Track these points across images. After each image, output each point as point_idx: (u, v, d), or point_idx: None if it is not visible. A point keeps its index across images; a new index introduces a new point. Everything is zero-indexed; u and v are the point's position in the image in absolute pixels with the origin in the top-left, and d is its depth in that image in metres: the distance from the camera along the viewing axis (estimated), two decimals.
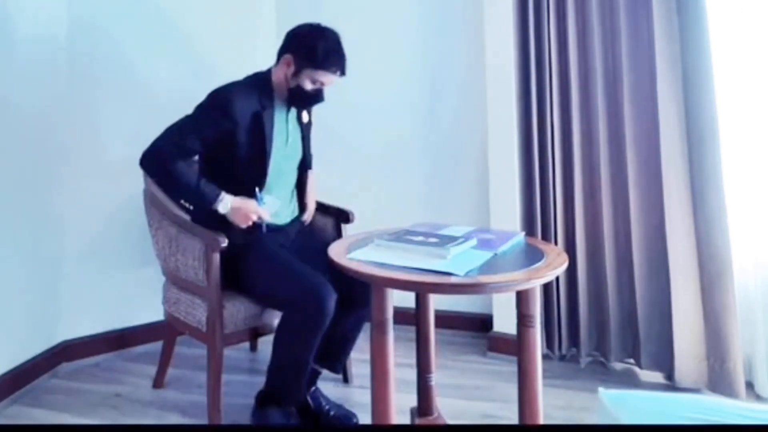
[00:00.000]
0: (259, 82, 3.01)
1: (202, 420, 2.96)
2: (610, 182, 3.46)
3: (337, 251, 2.40)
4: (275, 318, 2.93)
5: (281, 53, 2.97)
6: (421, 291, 2.63)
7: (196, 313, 2.95)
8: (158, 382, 3.33)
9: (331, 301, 2.64)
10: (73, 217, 3.64)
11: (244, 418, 3.01)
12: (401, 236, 2.43)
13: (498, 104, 3.77)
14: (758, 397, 3.11)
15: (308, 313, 2.62)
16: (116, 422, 3.02)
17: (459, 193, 4.22)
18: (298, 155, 3.18)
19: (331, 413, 2.93)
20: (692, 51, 3.20)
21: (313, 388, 3.01)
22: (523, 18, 3.66)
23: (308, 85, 2.90)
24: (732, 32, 3.24)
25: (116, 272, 3.82)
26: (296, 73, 2.89)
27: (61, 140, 3.57)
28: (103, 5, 3.76)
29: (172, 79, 4.01)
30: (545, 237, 3.59)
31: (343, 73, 2.93)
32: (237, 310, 2.89)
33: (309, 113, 3.24)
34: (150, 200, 3.18)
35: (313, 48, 2.86)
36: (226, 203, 2.81)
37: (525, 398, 2.22)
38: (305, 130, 3.21)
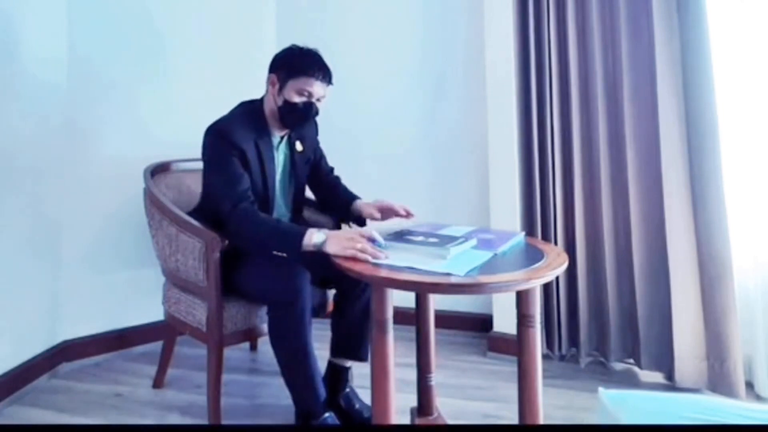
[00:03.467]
0: (251, 112, 2.98)
1: (202, 420, 2.96)
2: (610, 182, 3.47)
3: None
4: None
5: (268, 78, 2.96)
6: (421, 291, 2.63)
7: (196, 313, 2.94)
8: (158, 382, 3.34)
9: (302, 279, 2.64)
10: (73, 218, 3.65)
11: (244, 418, 3.02)
12: (401, 236, 2.44)
13: (498, 104, 3.78)
14: (758, 397, 3.11)
15: (283, 296, 2.62)
16: (116, 422, 3.01)
17: (459, 194, 4.24)
18: (288, 188, 3.15)
19: (365, 414, 2.94)
20: (692, 51, 3.21)
21: (347, 390, 3.02)
22: (523, 18, 3.67)
23: (295, 98, 2.84)
24: (732, 32, 3.25)
25: (116, 272, 3.83)
26: (281, 88, 2.87)
27: (62, 141, 3.59)
28: None
29: (171, 82, 4.05)
30: (545, 237, 3.61)
31: (328, 81, 2.89)
32: (237, 311, 2.89)
33: (303, 143, 3.16)
34: (150, 200, 3.17)
35: (291, 58, 2.89)
36: (319, 233, 2.50)
37: (525, 398, 2.21)
38: (299, 160, 3.14)
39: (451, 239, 2.35)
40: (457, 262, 2.12)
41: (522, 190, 3.72)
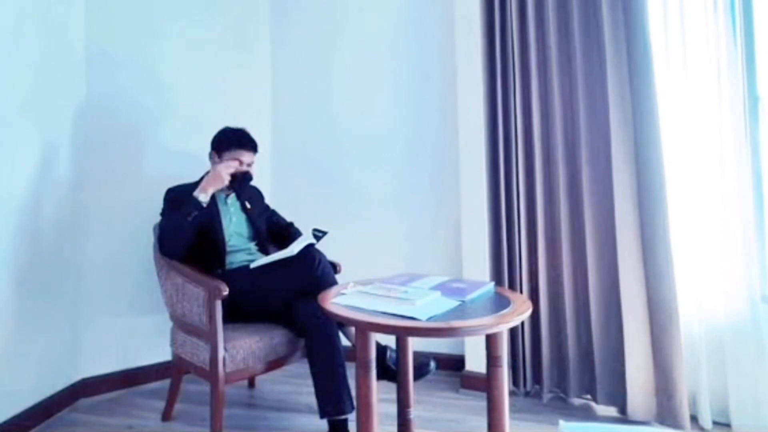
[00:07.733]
0: (199, 181, 3.32)
1: None
2: (569, 238, 3.47)
3: (327, 298, 2.44)
4: (271, 355, 3.02)
5: (210, 154, 3.46)
6: (401, 334, 2.66)
7: (200, 353, 2.97)
8: (166, 416, 3.32)
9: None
10: (91, 269, 3.68)
11: None
12: (378, 285, 2.51)
13: (469, 166, 3.79)
14: (702, 430, 3.11)
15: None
16: None
17: (435, 246, 4.23)
18: (246, 231, 3.52)
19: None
20: (643, 116, 3.22)
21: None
22: (492, 96, 3.71)
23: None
24: (680, 98, 3.23)
25: (130, 317, 3.84)
26: (221, 159, 3.37)
27: (81, 200, 3.61)
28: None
29: (180, 141, 4.10)
30: (512, 286, 3.60)
31: (254, 150, 3.44)
32: (236, 351, 2.91)
33: (251, 202, 3.60)
34: (159, 254, 3.25)
35: (226, 136, 3.44)
36: (197, 192, 3.15)
37: (494, 430, 2.23)
38: (250, 213, 3.56)
39: (421, 289, 2.42)
40: (424, 309, 2.17)
41: (491, 244, 3.71)
